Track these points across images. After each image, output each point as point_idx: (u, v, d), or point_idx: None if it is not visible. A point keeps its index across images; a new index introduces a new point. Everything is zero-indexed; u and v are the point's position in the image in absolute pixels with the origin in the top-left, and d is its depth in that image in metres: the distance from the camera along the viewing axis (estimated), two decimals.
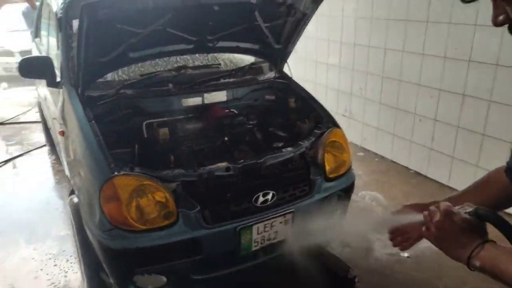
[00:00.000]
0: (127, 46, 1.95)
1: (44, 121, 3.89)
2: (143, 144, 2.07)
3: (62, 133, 2.15)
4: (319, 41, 4.59)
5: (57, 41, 2.34)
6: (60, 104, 2.25)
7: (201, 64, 2.49)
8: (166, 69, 2.33)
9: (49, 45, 2.93)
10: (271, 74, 2.62)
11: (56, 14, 2.47)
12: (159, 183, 1.73)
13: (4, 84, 7.01)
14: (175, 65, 2.37)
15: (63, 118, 2.21)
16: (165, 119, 2.19)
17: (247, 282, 2.12)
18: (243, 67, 2.53)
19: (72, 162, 2.00)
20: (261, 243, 1.93)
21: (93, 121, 1.93)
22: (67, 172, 2.27)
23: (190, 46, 2.18)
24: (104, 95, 2.09)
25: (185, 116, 2.26)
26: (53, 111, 2.69)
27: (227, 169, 1.88)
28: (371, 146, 4.09)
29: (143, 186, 1.71)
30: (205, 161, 1.99)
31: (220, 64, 2.54)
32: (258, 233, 1.89)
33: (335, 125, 2.21)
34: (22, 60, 2.24)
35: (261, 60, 2.62)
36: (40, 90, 3.55)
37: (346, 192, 2.16)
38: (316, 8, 2.21)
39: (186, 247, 1.75)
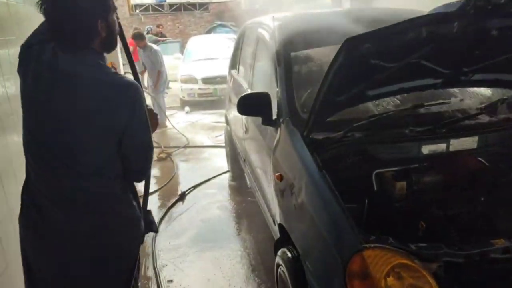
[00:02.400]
0: (369, 83, 1.64)
1: (231, 149, 3.96)
2: (374, 199, 1.72)
3: (280, 177, 1.95)
4: None
5: (276, 77, 2.20)
6: (275, 144, 2.09)
7: (439, 101, 2.02)
8: (399, 107, 1.95)
9: (253, 78, 2.88)
10: None
11: (271, 47, 2.37)
12: (418, 263, 1.33)
13: (187, 108, 7.75)
14: (408, 103, 1.97)
15: (279, 160, 2.02)
16: (400, 168, 1.80)
17: None
18: (494, 103, 1.97)
19: (296, 212, 1.77)
20: None
21: (324, 171, 1.66)
22: (277, 218, 2.07)
23: (438, 81, 1.76)
24: (329, 138, 1.82)
25: (424, 167, 1.83)
26: (257, 147, 2.59)
27: (506, 250, 1.38)
28: None
29: (399, 265, 1.33)
30: (466, 233, 1.52)
31: (462, 100, 2.03)
32: None
33: None
34: (242, 97, 2.16)
35: None
36: (234, 118, 3.60)
37: None
38: None
39: None
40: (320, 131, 1.86)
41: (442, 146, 1.80)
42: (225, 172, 4.43)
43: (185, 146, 5.56)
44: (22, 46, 1.34)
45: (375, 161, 1.82)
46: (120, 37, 1.44)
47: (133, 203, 1.44)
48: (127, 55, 1.66)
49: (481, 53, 1.61)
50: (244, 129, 2.91)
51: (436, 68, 1.67)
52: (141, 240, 1.51)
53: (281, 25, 2.40)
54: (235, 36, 10.00)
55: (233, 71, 3.76)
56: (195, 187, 4.13)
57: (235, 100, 3.44)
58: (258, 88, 2.65)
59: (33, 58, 1.28)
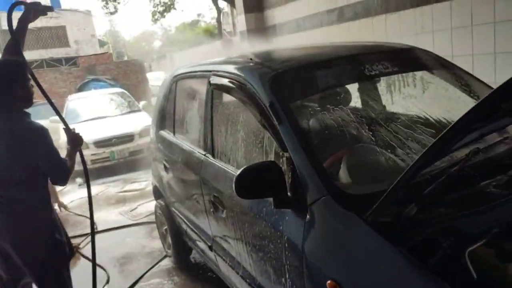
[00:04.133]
0: None
1: (172, 228, 3.12)
2: None
3: (336, 287, 1.31)
4: None
5: (277, 138, 1.59)
6: (306, 234, 1.44)
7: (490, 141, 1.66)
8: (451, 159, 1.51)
9: (214, 142, 2.19)
10: None
11: (251, 99, 1.76)
12: None
13: (79, 180, 6.39)
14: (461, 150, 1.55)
15: (326, 260, 1.38)
16: (489, 239, 1.33)
17: None
18: None
19: None
20: None
21: (434, 274, 1.10)
22: None
23: None
24: (403, 216, 1.28)
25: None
26: (255, 237, 1.89)
27: None
28: None
29: None
30: None
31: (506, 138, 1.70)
32: None
33: None
34: (243, 175, 1.48)
35: None
36: (180, 191, 2.82)
37: None
38: None
39: None
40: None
41: None
42: (162, 259, 3.50)
43: (95, 232, 4.35)
44: None
45: (460, 235, 1.33)
46: (39, 89, 2.19)
47: (46, 207, 2.13)
48: (49, 102, 2.29)
49: None
50: (212, 208, 2.18)
51: None
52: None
53: (262, 70, 1.82)
54: (118, 90, 9.12)
55: (165, 133, 2.98)
56: None
57: (176, 166, 2.71)
58: (235, 156, 1.98)
59: None
